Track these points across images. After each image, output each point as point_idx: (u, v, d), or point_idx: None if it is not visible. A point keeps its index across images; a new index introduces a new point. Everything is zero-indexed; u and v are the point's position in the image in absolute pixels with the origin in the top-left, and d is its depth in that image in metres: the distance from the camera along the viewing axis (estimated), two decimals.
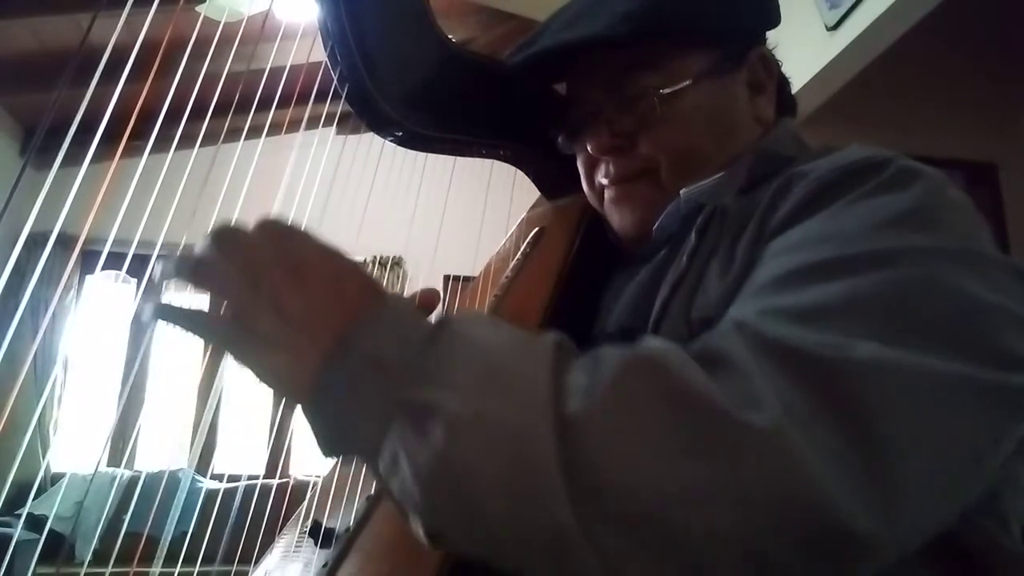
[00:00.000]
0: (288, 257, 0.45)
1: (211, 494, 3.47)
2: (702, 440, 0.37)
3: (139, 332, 3.82)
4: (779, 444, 0.36)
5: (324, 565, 0.64)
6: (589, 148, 0.72)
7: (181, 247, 0.51)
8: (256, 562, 0.75)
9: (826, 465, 0.36)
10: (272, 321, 0.43)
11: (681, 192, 0.67)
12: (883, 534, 0.37)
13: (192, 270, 0.45)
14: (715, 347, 0.42)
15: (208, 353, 0.48)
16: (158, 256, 0.53)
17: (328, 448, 0.44)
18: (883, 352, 0.39)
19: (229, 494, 3.21)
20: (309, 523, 0.70)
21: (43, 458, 3.55)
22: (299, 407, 0.44)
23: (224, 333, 0.44)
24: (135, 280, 3.78)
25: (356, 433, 0.42)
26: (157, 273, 0.46)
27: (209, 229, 0.46)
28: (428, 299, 0.57)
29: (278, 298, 0.44)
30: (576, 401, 0.39)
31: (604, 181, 0.73)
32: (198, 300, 0.47)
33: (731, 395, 0.38)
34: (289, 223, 0.47)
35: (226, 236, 0.45)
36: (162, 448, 3.98)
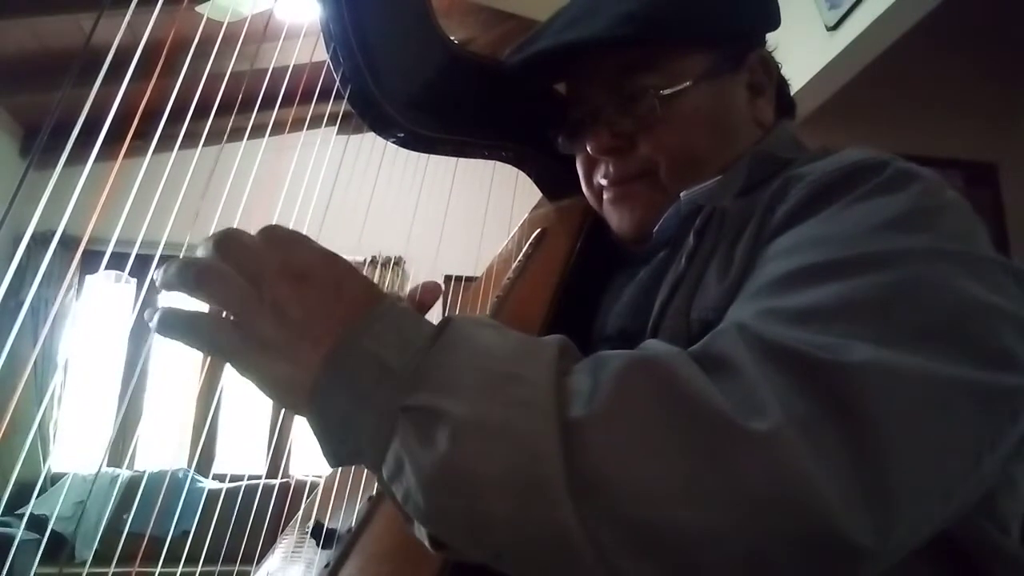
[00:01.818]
0: (289, 262, 0.45)
1: (212, 494, 3.47)
2: (704, 444, 0.37)
3: (140, 332, 3.83)
4: (779, 449, 0.36)
5: (326, 566, 0.64)
6: (588, 148, 0.72)
7: (183, 248, 0.51)
8: (258, 562, 0.75)
9: (824, 472, 0.36)
10: (274, 326, 0.43)
11: (681, 195, 0.67)
12: (876, 543, 0.37)
13: (194, 275, 0.44)
14: (717, 350, 0.42)
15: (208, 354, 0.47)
16: (160, 256, 0.53)
17: (332, 456, 0.44)
18: (879, 355, 0.39)
19: (230, 494, 3.21)
20: (311, 524, 0.70)
21: (44, 458, 3.55)
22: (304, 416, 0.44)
23: (225, 341, 0.44)
24: (135, 280, 3.79)
25: (360, 439, 0.42)
26: (158, 279, 0.45)
27: (210, 233, 0.46)
28: (428, 294, 0.57)
29: (280, 303, 0.43)
30: (579, 405, 0.39)
31: (603, 182, 0.73)
32: (197, 307, 0.46)
33: (733, 399, 0.38)
34: (289, 229, 0.47)
35: (227, 241, 0.45)
36: (163, 448, 3.98)
